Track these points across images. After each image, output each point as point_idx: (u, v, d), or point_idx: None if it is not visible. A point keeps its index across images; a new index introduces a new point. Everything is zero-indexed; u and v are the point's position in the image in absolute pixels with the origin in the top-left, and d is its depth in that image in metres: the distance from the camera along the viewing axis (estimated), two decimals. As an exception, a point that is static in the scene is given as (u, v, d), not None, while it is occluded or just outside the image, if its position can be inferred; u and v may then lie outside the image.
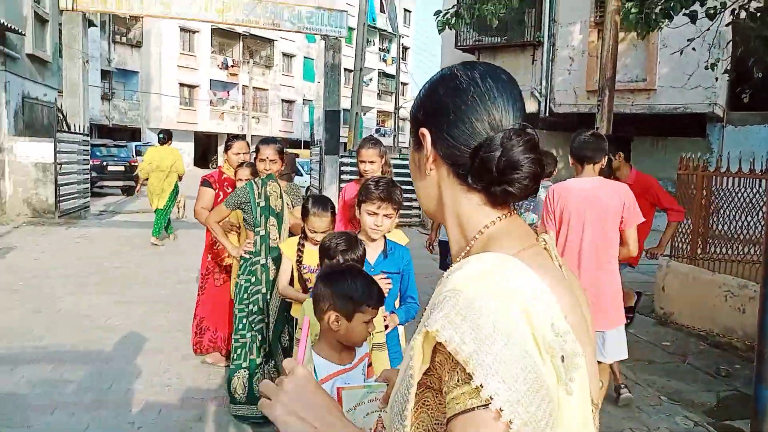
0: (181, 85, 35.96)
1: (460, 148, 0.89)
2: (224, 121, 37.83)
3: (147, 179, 9.66)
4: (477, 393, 0.71)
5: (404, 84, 45.44)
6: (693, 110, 12.93)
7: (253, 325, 3.78)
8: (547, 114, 14.52)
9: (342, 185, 13.18)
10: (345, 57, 27.64)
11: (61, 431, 3.52)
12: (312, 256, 3.04)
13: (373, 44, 45.07)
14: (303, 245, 3.18)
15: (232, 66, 38.10)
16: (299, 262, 3.14)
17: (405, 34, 44.75)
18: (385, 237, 2.91)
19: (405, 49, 48.74)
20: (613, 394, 4.16)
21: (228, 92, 38.53)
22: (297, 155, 15.93)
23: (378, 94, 47.68)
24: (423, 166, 0.95)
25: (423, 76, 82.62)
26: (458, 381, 0.74)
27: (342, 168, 13.19)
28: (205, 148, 39.03)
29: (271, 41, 39.63)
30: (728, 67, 11.15)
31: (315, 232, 3.09)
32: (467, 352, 0.71)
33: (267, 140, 4.12)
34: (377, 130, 46.08)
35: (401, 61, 31.82)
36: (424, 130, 0.93)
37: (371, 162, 3.76)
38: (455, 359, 0.73)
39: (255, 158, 4.07)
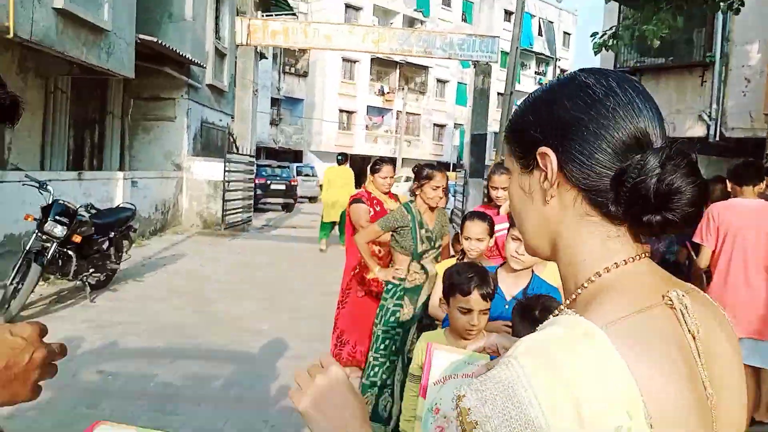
0: (341, 111, 38.04)
1: (598, 171, 0.75)
2: (378, 144, 39.30)
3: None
4: None
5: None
6: None
7: (393, 348, 3.78)
8: (718, 138, 13.32)
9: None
10: (498, 81, 27.60)
11: (205, 422, 3.87)
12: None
13: (529, 68, 44.42)
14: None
15: (388, 93, 39.57)
16: None
17: (563, 57, 43.56)
18: (533, 274, 2.64)
19: (562, 71, 47.38)
20: None
21: (382, 117, 40.05)
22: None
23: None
24: (538, 193, 0.81)
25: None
26: None
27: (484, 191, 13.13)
28: (360, 169, 40.78)
29: (426, 68, 40.62)
30: None
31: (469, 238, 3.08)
32: None
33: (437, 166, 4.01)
34: (530, 155, 45.02)
35: (557, 84, 30.92)
36: (547, 150, 0.77)
37: (504, 188, 3.72)
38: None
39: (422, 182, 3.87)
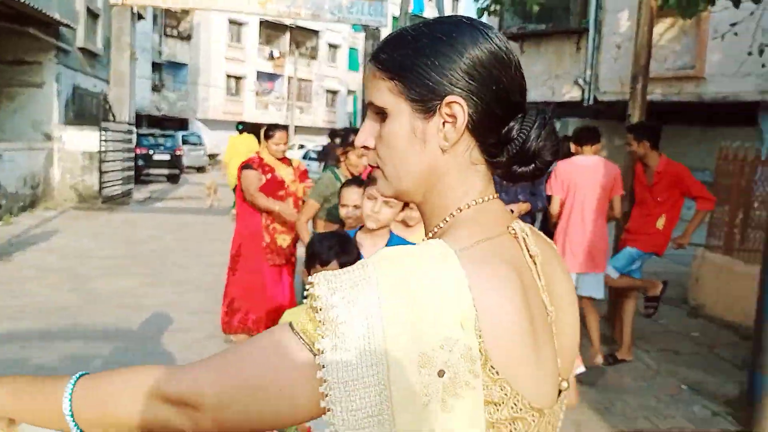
0: (229, 76, 36.64)
1: (494, 124, 0.79)
2: (269, 111, 38.39)
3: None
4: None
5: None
6: (744, 98, 12.38)
7: None
8: (592, 102, 14.18)
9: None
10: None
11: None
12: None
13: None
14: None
15: (279, 57, 38.57)
16: None
17: (450, 23, 44.29)
18: (392, 233, 2.62)
19: (451, 38, 48.28)
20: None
21: (273, 83, 39.07)
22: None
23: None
24: (433, 139, 0.79)
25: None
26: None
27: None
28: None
29: (316, 32, 39.91)
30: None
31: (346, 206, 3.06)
32: (325, 318, 0.67)
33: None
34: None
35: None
36: (459, 99, 0.77)
37: None
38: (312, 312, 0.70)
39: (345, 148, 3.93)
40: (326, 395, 0.66)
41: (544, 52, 15.30)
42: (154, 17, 29.30)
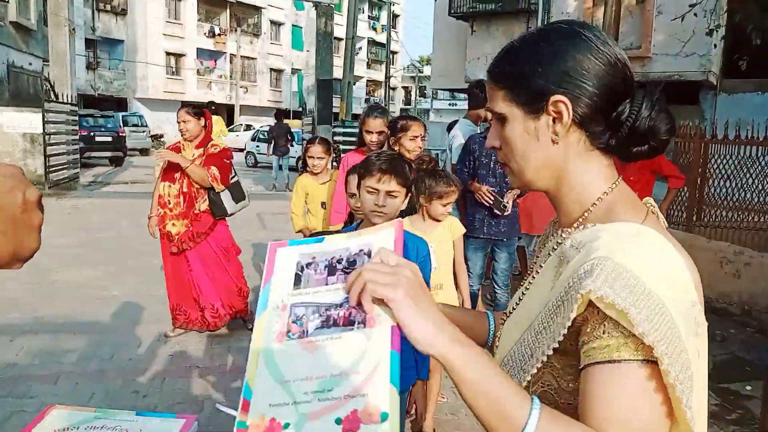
0: (168, 54, 35.34)
1: (599, 114, 0.90)
2: (212, 91, 37.34)
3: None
4: (625, 346, 0.76)
5: (394, 53, 44.90)
6: (688, 78, 12.89)
7: None
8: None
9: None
10: (335, 25, 27.28)
11: (67, 399, 3.52)
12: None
13: (363, 12, 44.41)
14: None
15: (220, 34, 37.44)
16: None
17: (395, 1, 44.07)
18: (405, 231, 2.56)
19: (395, 16, 48.08)
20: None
21: (215, 61, 37.96)
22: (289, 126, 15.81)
23: (367, 63, 47.15)
24: (545, 135, 0.92)
25: (413, 44, 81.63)
26: (604, 333, 0.78)
27: (335, 138, 13.09)
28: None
29: (258, 9, 38.94)
30: (723, 35, 11.07)
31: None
32: (624, 305, 0.75)
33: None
34: (367, 100, 45.67)
35: (391, 29, 31.38)
36: (562, 98, 0.89)
37: (379, 133, 3.60)
38: (605, 313, 0.77)
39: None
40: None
41: (494, 32, 15.45)
42: (87, -9, 27.87)
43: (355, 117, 27.33)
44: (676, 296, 0.79)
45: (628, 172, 4.92)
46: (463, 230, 3.19)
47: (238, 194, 4.57)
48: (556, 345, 0.83)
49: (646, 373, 0.76)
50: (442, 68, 17.35)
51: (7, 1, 12.01)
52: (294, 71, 40.73)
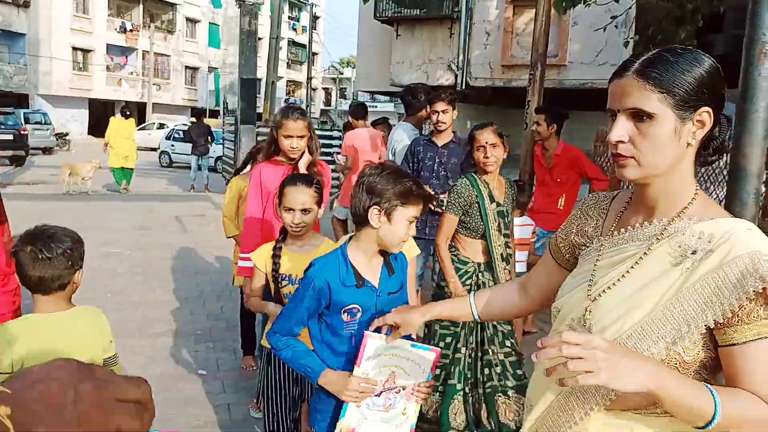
0: (75, 48, 33.42)
1: (715, 129, 1.15)
2: (122, 88, 35.66)
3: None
4: None
5: (315, 54, 44.61)
6: (601, 86, 13.51)
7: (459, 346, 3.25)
8: (464, 87, 14.73)
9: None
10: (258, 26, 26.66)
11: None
12: (294, 263, 2.46)
13: (283, 12, 43.85)
14: (280, 248, 2.49)
15: (132, 30, 35.84)
16: (276, 272, 2.47)
17: (316, 3, 43.81)
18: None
19: (316, 18, 47.79)
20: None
21: (126, 57, 36.28)
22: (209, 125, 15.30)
23: (287, 63, 46.59)
24: (685, 137, 1.13)
25: (334, 45, 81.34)
26: (765, 316, 1.06)
27: (258, 138, 12.79)
28: (101, 115, 36.65)
29: (173, 5, 37.62)
30: (634, 46, 11.70)
31: (291, 210, 2.43)
32: None
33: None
34: (287, 100, 45.12)
35: (312, 30, 31.13)
36: (710, 110, 1.12)
37: (300, 137, 3.03)
38: (765, 300, 1.05)
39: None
40: None
41: (418, 37, 15.60)
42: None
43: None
44: None
45: (556, 173, 5.06)
46: (418, 251, 2.89)
47: None
48: (721, 320, 1.06)
49: None
50: (366, 71, 17.36)
51: None
52: (211, 69, 39.59)
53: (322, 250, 2.43)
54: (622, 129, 1.14)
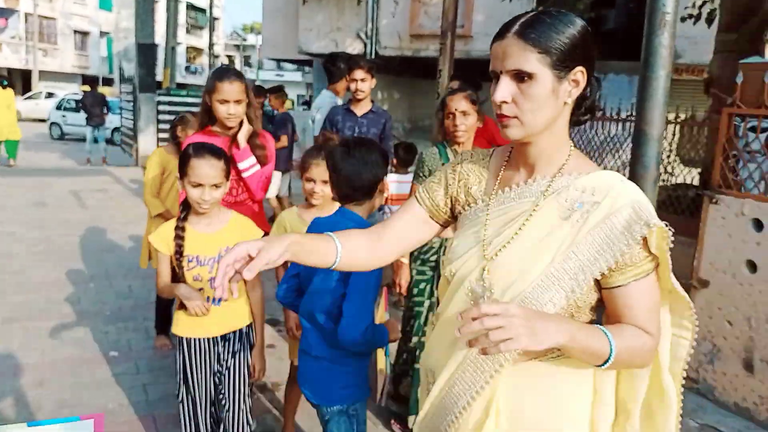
0: (-57, 7, 30.19)
1: (587, 89, 1.21)
2: (3, 53, 32.72)
3: None
4: (651, 261, 1.18)
5: (216, 19, 42.79)
6: (504, 57, 13.86)
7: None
8: (373, 56, 14.66)
9: (160, 126, 12.16)
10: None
11: None
12: (201, 242, 2.29)
13: (180, -26, 41.55)
14: (183, 229, 2.28)
15: (10, -11, 32.76)
16: (179, 254, 2.27)
17: (215, -35, 41.82)
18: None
19: (215, -19, 45.64)
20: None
21: (6, 20, 33.20)
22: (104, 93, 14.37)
23: (186, 28, 44.37)
24: (562, 95, 1.17)
25: (236, 10, 78.25)
26: (645, 258, 1.18)
27: (159, 107, 12.18)
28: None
29: (57, -38, 34.70)
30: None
31: (200, 185, 2.21)
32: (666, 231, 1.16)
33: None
34: (187, 68, 43.14)
35: (213, -6, 29.73)
36: (583, 70, 1.18)
37: (237, 102, 2.73)
38: (646, 242, 1.16)
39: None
40: None
41: (325, 4, 15.29)
42: None
43: (181, 86, 25.59)
44: None
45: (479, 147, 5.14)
46: None
47: None
48: (613, 266, 1.16)
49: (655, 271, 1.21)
50: (272, 38, 16.86)
51: None
52: (102, 34, 37.08)
53: (231, 227, 2.34)
54: (505, 90, 1.16)
